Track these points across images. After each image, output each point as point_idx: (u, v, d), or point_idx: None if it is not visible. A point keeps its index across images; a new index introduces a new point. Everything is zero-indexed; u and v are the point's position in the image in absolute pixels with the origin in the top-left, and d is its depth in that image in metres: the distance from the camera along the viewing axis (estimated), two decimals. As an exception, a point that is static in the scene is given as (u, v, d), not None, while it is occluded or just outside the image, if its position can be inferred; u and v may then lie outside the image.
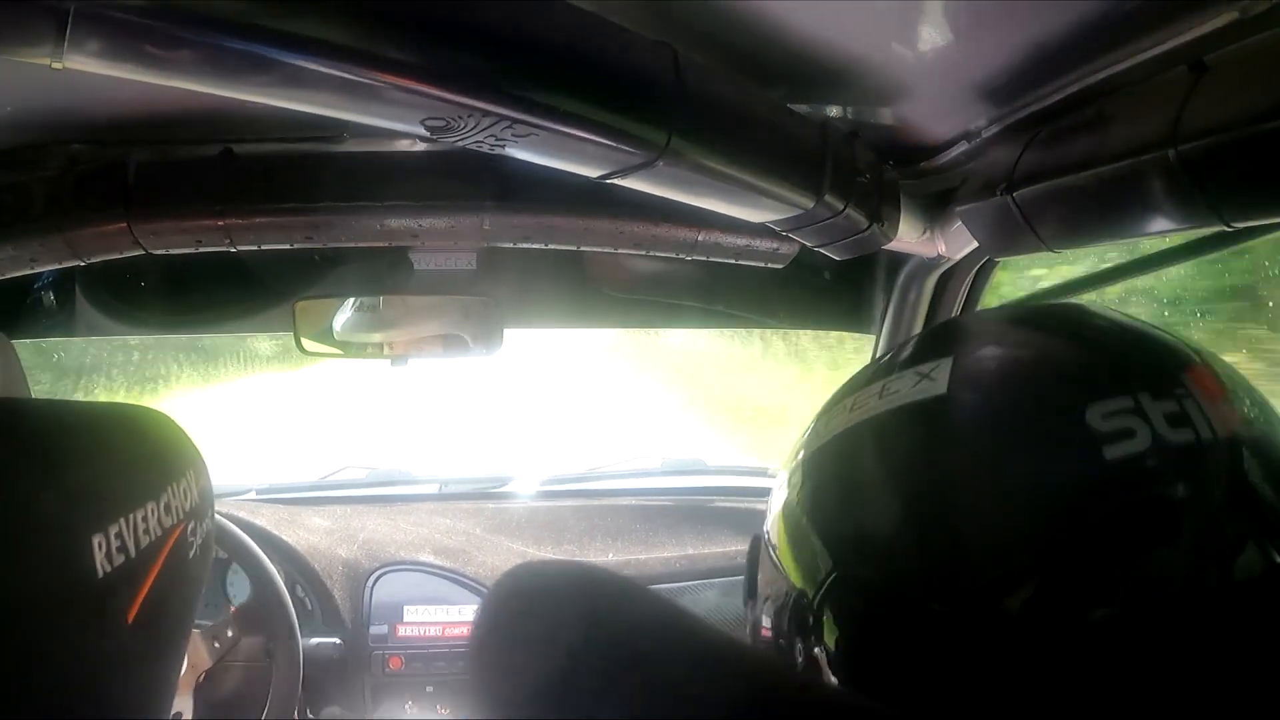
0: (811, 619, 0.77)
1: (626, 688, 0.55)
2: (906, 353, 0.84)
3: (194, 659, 2.01)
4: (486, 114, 0.83)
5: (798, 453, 0.86)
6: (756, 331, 11.68)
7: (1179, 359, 0.74)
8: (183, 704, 1.98)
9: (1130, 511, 0.66)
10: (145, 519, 0.76)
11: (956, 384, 0.75)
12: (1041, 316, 0.90)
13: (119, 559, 0.71)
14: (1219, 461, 0.68)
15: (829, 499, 0.82)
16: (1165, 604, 0.65)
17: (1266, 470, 0.70)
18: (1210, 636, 0.64)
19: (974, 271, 1.85)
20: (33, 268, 1.60)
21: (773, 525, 0.87)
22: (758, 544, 0.92)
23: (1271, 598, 0.65)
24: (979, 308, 1.91)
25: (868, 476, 0.80)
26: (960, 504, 0.72)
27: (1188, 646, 0.64)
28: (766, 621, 0.86)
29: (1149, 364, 0.74)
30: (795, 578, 0.81)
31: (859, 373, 0.88)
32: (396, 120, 0.83)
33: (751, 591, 0.94)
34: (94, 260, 1.59)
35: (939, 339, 0.86)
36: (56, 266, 1.62)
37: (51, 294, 2.09)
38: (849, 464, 0.81)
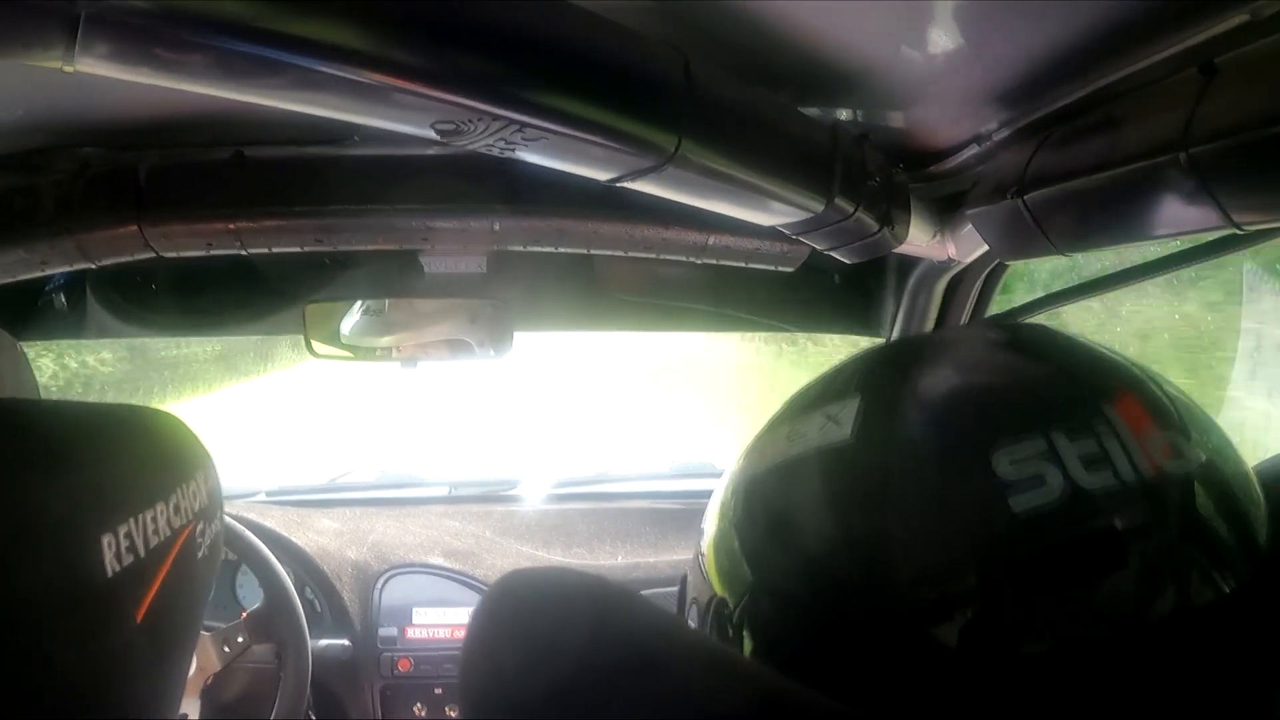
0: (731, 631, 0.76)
1: (634, 690, 0.55)
2: (821, 387, 0.80)
3: (203, 661, 2.02)
4: (496, 117, 0.83)
5: (728, 479, 0.84)
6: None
7: (1104, 389, 0.69)
8: (189, 706, 1.99)
9: (1038, 569, 0.62)
10: (154, 519, 0.76)
11: (861, 431, 0.71)
12: (963, 345, 0.84)
13: (128, 559, 0.72)
14: (1140, 505, 0.64)
15: (742, 543, 0.78)
16: (1078, 660, 0.61)
17: (1199, 506, 0.66)
18: (1123, 695, 0.61)
19: (984, 275, 1.85)
20: (43, 270, 1.61)
21: (705, 542, 0.84)
22: (685, 582, 0.90)
23: (1195, 650, 0.61)
24: (989, 311, 1.91)
25: (772, 529, 0.76)
26: (862, 562, 0.68)
27: (1095, 704, 0.61)
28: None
29: (1068, 398, 0.69)
30: (719, 589, 0.79)
31: (791, 399, 0.85)
32: (406, 123, 0.83)
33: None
34: (105, 263, 1.59)
35: (850, 374, 0.80)
36: (67, 269, 1.63)
37: (62, 296, 2.10)
38: (756, 512, 0.78)
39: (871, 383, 0.76)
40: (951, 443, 0.68)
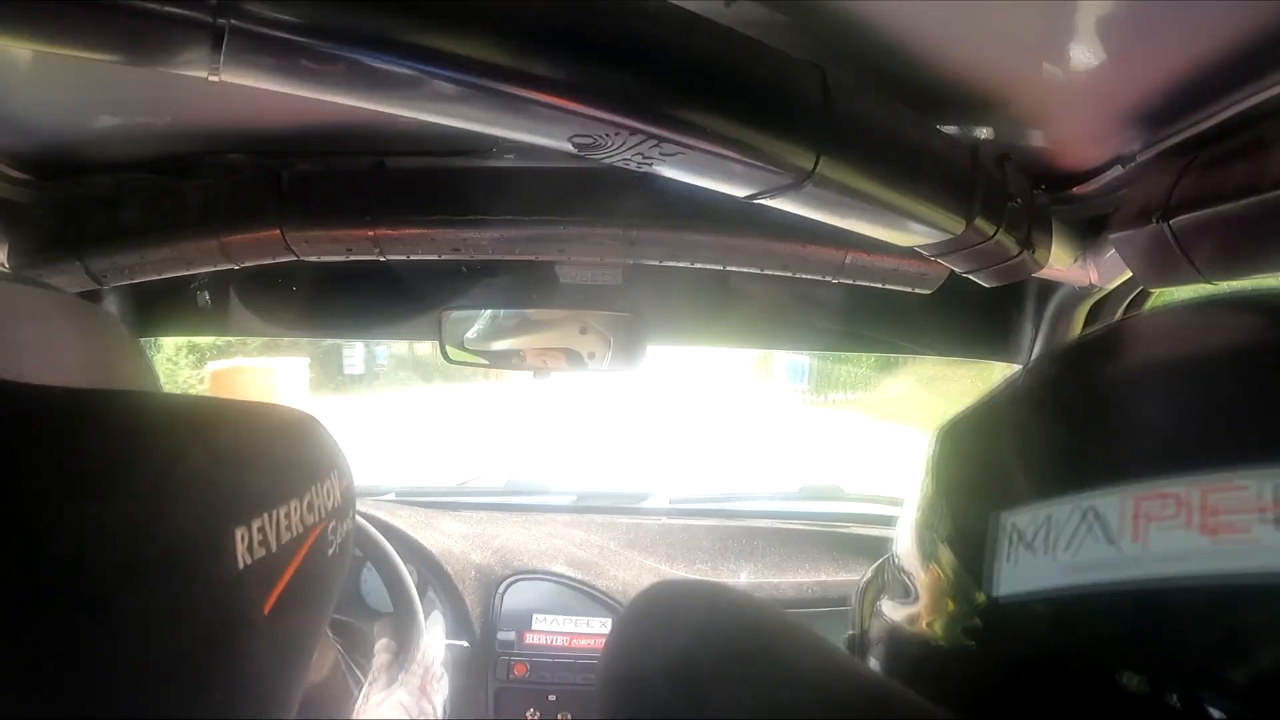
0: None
1: (749, 675, 0.56)
2: None
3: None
4: (634, 132, 0.83)
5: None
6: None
7: None
8: None
9: None
10: (288, 515, 0.78)
11: None
12: None
13: (259, 552, 0.73)
14: None
15: None
16: None
17: None
18: None
19: (1127, 302, 1.80)
20: (188, 269, 1.66)
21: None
22: (880, 575, 0.83)
23: None
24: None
25: None
26: None
27: None
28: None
29: None
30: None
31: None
32: (545, 137, 0.84)
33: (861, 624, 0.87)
34: (246, 264, 1.65)
35: None
36: (211, 269, 1.68)
37: (207, 294, 2.16)
38: None
39: None
40: None
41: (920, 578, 0.70)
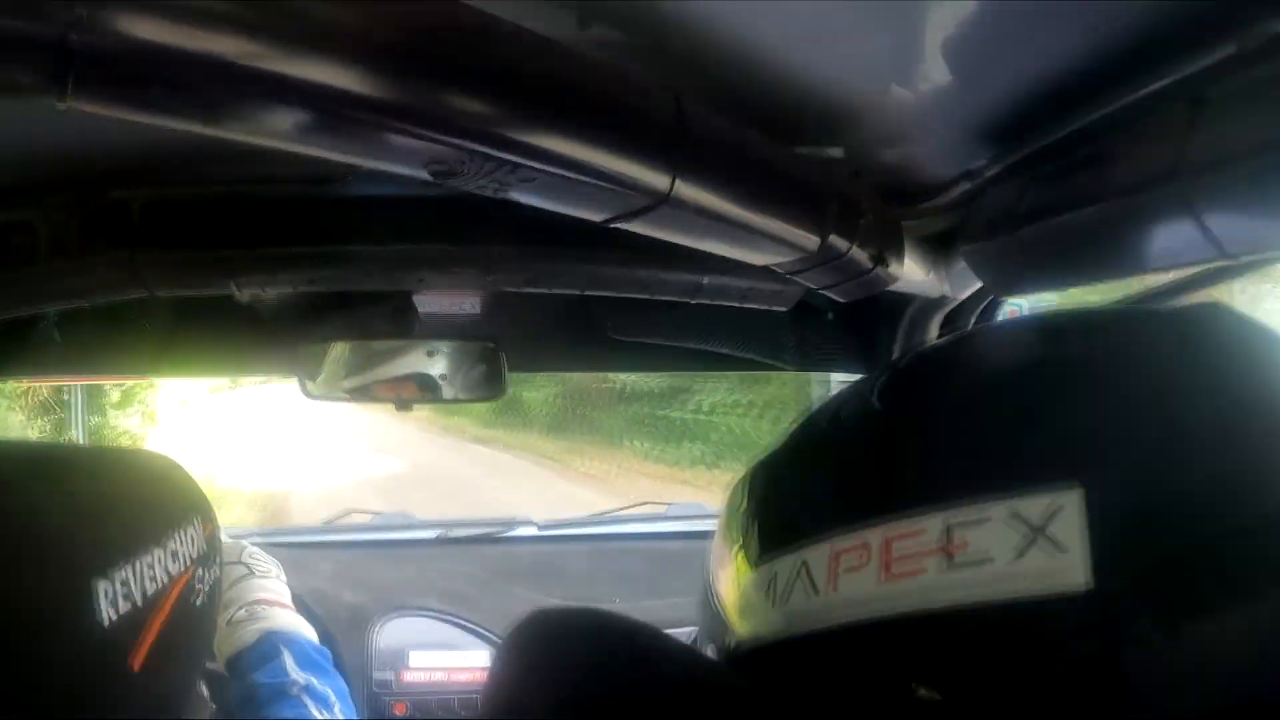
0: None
1: (635, 700, 0.56)
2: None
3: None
4: (489, 158, 0.83)
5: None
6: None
7: None
8: None
9: None
10: (151, 565, 0.75)
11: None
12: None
13: (124, 606, 0.71)
14: None
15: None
16: None
17: None
18: None
19: (978, 311, 1.85)
20: (38, 308, 1.60)
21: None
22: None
23: None
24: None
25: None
26: None
27: None
28: None
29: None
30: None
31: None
32: (400, 164, 0.83)
33: None
34: (98, 301, 1.59)
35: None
36: (62, 307, 1.62)
37: (56, 334, 2.09)
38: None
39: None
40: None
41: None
